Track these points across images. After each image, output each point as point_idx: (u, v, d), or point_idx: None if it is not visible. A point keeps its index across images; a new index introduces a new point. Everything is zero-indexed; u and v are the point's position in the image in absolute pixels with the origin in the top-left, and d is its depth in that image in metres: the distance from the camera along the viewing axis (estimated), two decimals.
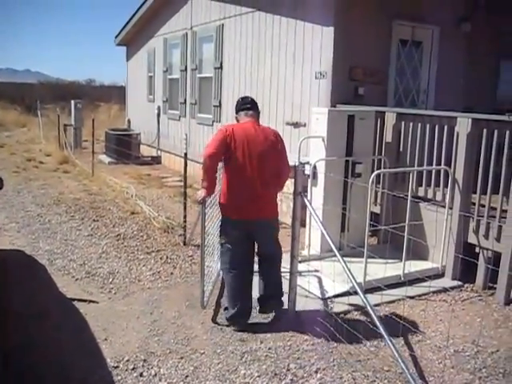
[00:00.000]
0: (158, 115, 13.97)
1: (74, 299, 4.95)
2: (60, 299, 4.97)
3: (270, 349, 4.12)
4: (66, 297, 5.00)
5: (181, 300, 5.05)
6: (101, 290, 5.26)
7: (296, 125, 8.02)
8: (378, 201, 6.61)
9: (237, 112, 4.74)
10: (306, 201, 4.26)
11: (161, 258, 6.20)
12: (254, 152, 4.38)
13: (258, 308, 4.74)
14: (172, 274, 5.76)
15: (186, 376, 3.72)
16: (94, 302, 4.94)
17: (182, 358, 3.97)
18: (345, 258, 4.13)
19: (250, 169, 4.36)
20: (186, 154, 6.55)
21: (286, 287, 4.68)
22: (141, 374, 3.73)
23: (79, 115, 16.15)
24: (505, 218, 5.26)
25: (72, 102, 16.32)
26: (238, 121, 4.71)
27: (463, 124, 5.54)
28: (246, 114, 4.64)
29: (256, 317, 4.68)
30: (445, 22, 8.23)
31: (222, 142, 4.38)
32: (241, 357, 4.01)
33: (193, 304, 4.95)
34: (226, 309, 4.62)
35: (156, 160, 13.90)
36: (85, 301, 4.93)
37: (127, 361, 3.88)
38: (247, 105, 4.70)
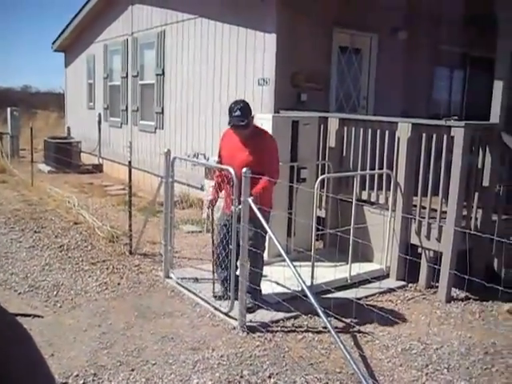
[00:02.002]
0: (99, 122, 13.71)
1: (17, 314, 4.77)
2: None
3: (222, 356, 4.11)
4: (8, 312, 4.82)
5: (129, 310, 4.96)
6: (45, 303, 5.10)
7: None
8: (323, 205, 6.71)
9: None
10: (253, 206, 4.28)
11: (107, 269, 6.08)
12: None
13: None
14: (119, 284, 5.65)
15: None
16: (38, 316, 4.79)
17: (133, 369, 3.90)
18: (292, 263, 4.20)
19: None
20: (130, 162, 6.47)
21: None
22: None
23: (16, 123, 15.66)
24: (445, 218, 5.46)
25: (8, 109, 15.84)
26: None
27: (404, 129, 5.72)
28: None
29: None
30: (382, 29, 8.48)
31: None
32: (193, 366, 3.98)
33: (142, 314, 4.88)
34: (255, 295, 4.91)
35: (98, 168, 13.63)
36: (29, 315, 4.76)
37: (76, 376, 3.78)
38: None
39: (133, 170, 10.79)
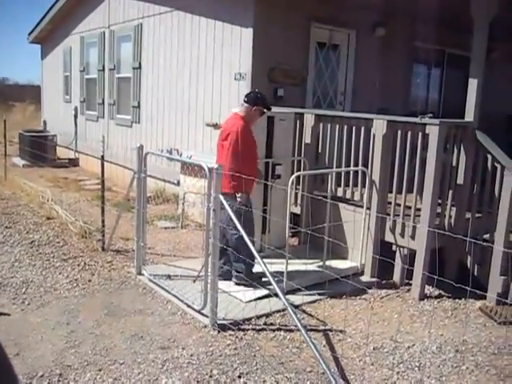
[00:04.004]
0: (76, 116, 13.50)
1: None
2: None
3: (191, 355, 4.05)
4: None
5: (99, 308, 4.87)
6: (13, 301, 4.97)
7: (216, 126, 7.96)
8: (299, 202, 6.67)
9: None
10: (225, 204, 4.22)
11: (78, 265, 5.96)
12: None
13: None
14: (90, 281, 5.55)
15: None
16: (5, 314, 4.67)
17: (100, 369, 3.82)
18: (266, 260, 4.16)
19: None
20: (102, 157, 6.33)
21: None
22: None
23: None
24: (419, 216, 5.46)
25: None
26: None
27: (379, 126, 5.69)
28: (241, 104, 5.49)
29: None
30: (360, 26, 8.45)
31: None
32: (162, 365, 3.91)
33: (112, 312, 4.79)
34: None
35: (74, 162, 13.45)
36: None
37: (41, 376, 3.68)
38: (244, 97, 5.47)
39: (109, 164, 10.67)
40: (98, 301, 5.06)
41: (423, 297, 5.41)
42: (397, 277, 5.73)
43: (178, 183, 8.38)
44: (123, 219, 6.98)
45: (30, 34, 15.81)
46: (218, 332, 4.41)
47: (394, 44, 8.72)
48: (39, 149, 12.70)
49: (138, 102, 10.31)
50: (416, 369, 4.01)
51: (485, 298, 5.29)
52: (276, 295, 3.89)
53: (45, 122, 15.95)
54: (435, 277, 3.76)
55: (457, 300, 5.35)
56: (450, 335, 4.59)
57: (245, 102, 5.41)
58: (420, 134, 5.39)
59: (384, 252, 5.75)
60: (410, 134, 5.50)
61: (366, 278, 5.82)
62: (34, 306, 4.89)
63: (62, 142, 14.09)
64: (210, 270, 4.48)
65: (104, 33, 11.67)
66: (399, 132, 5.60)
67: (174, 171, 8.57)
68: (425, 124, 5.33)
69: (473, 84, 5.57)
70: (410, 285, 5.54)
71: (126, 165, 10.64)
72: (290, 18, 7.56)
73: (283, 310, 4.80)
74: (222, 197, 4.25)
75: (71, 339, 4.26)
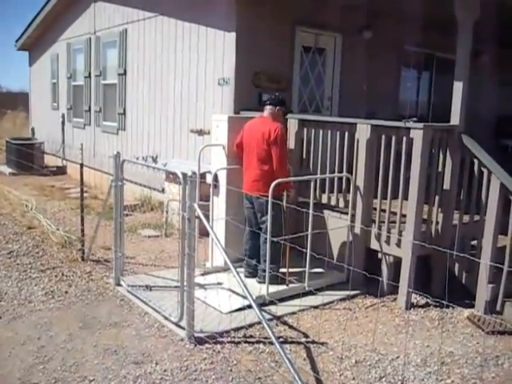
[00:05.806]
0: (63, 123, 13.33)
1: None
2: None
3: (165, 371, 3.88)
4: None
5: (74, 321, 4.69)
6: None
7: (200, 132, 7.83)
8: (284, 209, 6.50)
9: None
10: (199, 213, 4.06)
11: (56, 276, 5.79)
12: (248, 141, 5.53)
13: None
14: (67, 292, 5.37)
15: None
16: None
17: None
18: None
19: (248, 155, 5.51)
20: (81, 164, 6.18)
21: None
22: None
23: None
24: (404, 223, 5.31)
25: None
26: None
27: (363, 130, 5.55)
28: (265, 108, 5.55)
29: None
30: (347, 29, 8.31)
31: (239, 136, 5.69)
32: (134, 381, 3.74)
33: (87, 325, 4.62)
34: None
35: (61, 170, 13.26)
36: None
37: None
38: (266, 101, 5.60)
39: (96, 172, 10.53)
40: (73, 313, 4.89)
41: (410, 306, 5.25)
42: (383, 286, 5.56)
43: (163, 190, 8.22)
44: (106, 228, 6.82)
45: (17, 41, 15.63)
46: (195, 345, 4.25)
47: (382, 47, 8.59)
48: (26, 157, 12.52)
49: (124, 109, 10.15)
50: (399, 383, 3.85)
51: (473, 306, 5.15)
52: (259, 305, 3.73)
53: (33, 130, 15.77)
54: (416, 292, 3.60)
55: (444, 309, 5.17)
56: (436, 346, 4.42)
57: (267, 104, 5.54)
58: (405, 138, 5.26)
59: (370, 260, 5.61)
60: (394, 138, 5.36)
61: (351, 286, 5.65)
62: (5, 319, 4.71)
63: (49, 149, 13.91)
64: (186, 281, 4.32)
65: (90, 39, 11.52)
66: (383, 136, 5.46)
67: (159, 178, 8.41)
68: (409, 128, 5.19)
69: (458, 87, 5.43)
70: (397, 293, 5.38)
71: (112, 173, 10.47)
72: (274, 22, 7.41)
73: None
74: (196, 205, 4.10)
75: (41, 355, 4.08)
